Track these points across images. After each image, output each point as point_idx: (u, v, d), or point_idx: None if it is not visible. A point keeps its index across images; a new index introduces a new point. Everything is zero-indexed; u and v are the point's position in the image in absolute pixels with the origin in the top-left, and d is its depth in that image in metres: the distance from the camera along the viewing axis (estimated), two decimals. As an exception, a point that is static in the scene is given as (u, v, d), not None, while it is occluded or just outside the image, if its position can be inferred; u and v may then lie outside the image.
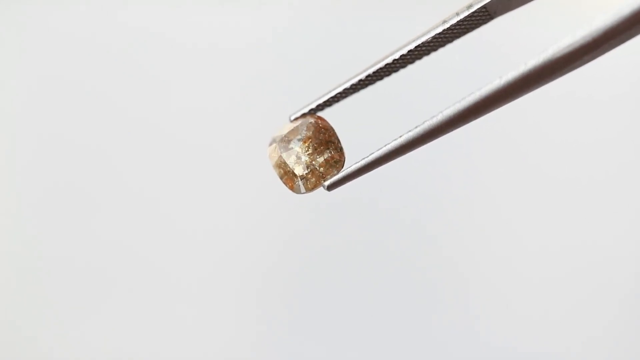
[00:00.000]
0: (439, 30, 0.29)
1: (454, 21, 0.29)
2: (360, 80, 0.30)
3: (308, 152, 0.27)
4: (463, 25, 0.29)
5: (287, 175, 0.28)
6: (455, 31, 0.29)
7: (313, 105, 0.30)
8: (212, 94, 0.65)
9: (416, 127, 0.25)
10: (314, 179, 0.27)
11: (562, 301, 0.64)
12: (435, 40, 0.29)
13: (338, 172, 0.27)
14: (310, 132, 0.28)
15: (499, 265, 0.65)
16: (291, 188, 0.28)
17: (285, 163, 0.28)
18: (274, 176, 0.29)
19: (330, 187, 0.27)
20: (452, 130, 0.25)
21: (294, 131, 0.28)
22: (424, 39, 0.29)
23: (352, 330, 0.65)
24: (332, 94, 0.30)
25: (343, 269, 0.65)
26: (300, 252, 0.65)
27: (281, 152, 0.28)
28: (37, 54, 0.65)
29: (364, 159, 0.26)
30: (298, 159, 0.28)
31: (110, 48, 0.65)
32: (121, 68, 0.65)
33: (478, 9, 0.28)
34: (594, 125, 0.64)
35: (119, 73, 0.65)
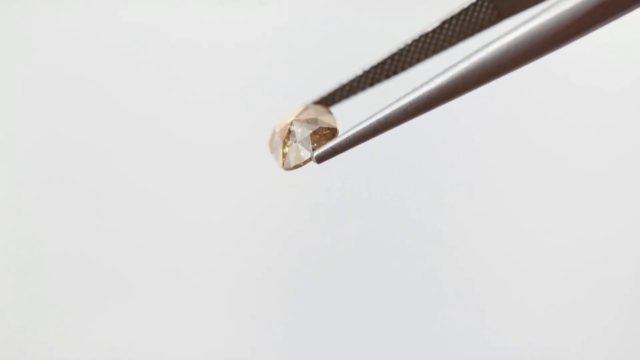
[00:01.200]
0: (445, 18, 0.29)
1: (457, 11, 0.28)
2: (366, 72, 0.30)
3: (300, 127, 0.27)
4: (469, 20, 0.29)
5: (277, 151, 0.28)
6: (461, 26, 0.29)
7: (317, 99, 0.30)
8: (211, 92, 0.64)
9: (408, 94, 0.24)
10: (302, 153, 0.27)
11: (571, 297, 0.62)
12: (441, 34, 0.29)
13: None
14: (305, 111, 0.28)
15: (504, 260, 0.63)
16: (282, 165, 0.27)
17: (277, 140, 0.28)
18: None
19: (319, 159, 0.26)
20: (450, 99, 0.24)
21: (290, 114, 0.28)
22: (430, 29, 0.29)
23: (352, 328, 0.64)
24: (335, 87, 0.30)
25: (343, 265, 0.64)
26: (299, 249, 0.65)
27: (276, 133, 0.28)
28: (39, 52, 0.66)
29: (354, 127, 0.25)
30: (289, 133, 0.27)
31: (111, 46, 0.65)
32: (121, 66, 0.65)
33: (483, 0, 0.28)
34: (605, 114, 0.63)
35: (119, 71, 0.65)
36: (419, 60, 0.30)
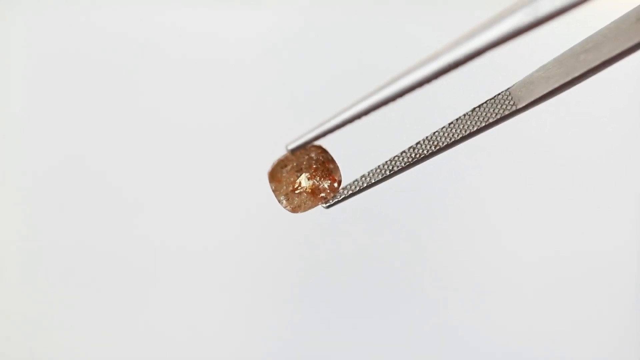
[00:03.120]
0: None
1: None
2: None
3: (307, 182, 0.29)
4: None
5: (286, 196, 0.30)
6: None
7: (310, 137, 0.29)
8: (218, 105, 0.66)
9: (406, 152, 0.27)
10: (311, 202, 0.30)
11: (551, 306, 0.67)
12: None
13: (335, 193, 0.29)
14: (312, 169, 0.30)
15: (490, 272, 0.67)
16: (290, 209, 0.30)
17: (287, 190, 0.30)
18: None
19: (329, 206, 0.29)
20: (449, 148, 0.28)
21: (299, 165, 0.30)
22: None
23: (351, 330, 0.67)
24: (329, 126, 0.29)
25: (342, 274, 0.67)
26: (301, 260, 0.67)
27: (284, 175, 0.30)
28: (44, 62, 0.66)
29: (361, 181, 0.28)
30: (299, 185, 0.30)
31: (114, 58, 0.66)
32: (125, 79, 0.66)
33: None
34: (585, 134, 0.67)
35: (123, 84, 0.66)
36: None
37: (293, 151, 0.27)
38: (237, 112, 0.66)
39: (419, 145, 0.29)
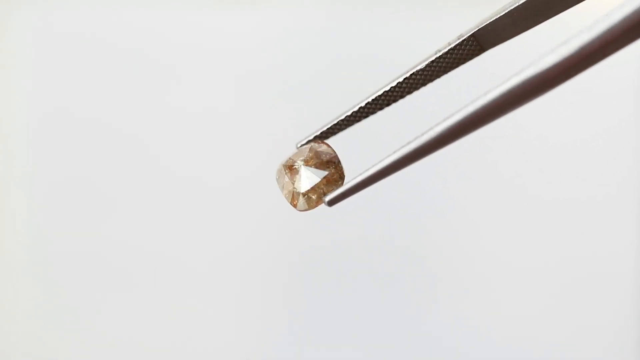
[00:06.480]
0: (433, 58, 0.32)
1: (445, 50, 0.32)
2: (361, 108, 0.32)
3: (309, 172, 0.30)
4: (455, 55, 0.32)
5: (291, 194, 0.30)
6: (448, 61, 0.32)
7: (317, 134, 0.32)
8: (222, 106, 0.67)
9: (412, 141, 0.27)
10: (315, 196, 0.29)
11: (552, 299, 0.68)
12: (430, 69, 0.32)
13: (338, 188, 0.29)
14: (312, 154, 0.31)
15: (493, 264, 0.68)
16: (295, 206, 0.30)
17: (289, 183, 0.30)
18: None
19: (331, 203, 0.28)
20: (451, 143, 0.26)
21: (297, 154, 0.31)
22: (419, 68, 0.32)
23: (350, 327, 0.68)
24: (335, 121, 0.32)
25: (341, 267, 0.68)
26: (300, 252, 0.68)
27: (286, 173, 0.31)
28: (44, 63, 0.67)
29: (362, 173, 0.28)
30: (297, 174, 0.30)
31: (114, 63, 0.66)
32: (125, 83, 0.66)
33: (467, 38, 0.32)
34: (584, 133, 0.67)
35: (125, 88, 0.66)
36: (408, 92, 0.32)
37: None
38: (240, 113, 0.66)
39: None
